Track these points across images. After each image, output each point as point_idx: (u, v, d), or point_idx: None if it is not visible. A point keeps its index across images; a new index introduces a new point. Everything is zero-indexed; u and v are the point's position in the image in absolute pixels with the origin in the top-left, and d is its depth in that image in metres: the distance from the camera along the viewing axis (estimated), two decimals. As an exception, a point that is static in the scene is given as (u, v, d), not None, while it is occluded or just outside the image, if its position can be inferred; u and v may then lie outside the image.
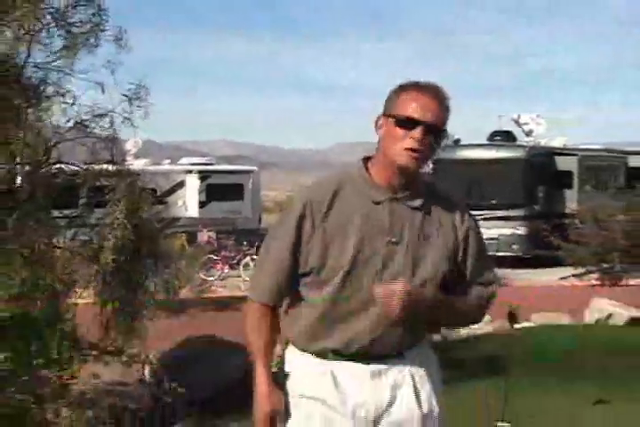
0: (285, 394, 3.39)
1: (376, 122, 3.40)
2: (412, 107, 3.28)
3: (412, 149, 3.25)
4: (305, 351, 3.39)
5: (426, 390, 3.43)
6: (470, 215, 3.58)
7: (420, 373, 3.45)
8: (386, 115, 3.35)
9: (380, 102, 3.48)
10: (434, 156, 3.46)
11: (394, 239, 3.32)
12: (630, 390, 9.55)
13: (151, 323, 8.27)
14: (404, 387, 3.38)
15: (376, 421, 3.34)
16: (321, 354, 3.36)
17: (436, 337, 12.34)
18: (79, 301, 7.09)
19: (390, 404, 3.35)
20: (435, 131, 3.29)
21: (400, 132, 3.27)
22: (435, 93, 3.35)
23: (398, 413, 3.36)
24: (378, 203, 3.34)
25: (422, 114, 3.26)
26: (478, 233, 3.57)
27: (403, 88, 3.37)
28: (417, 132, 3.23)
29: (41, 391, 5.35)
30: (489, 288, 3.56)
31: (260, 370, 3.38)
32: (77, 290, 7.16)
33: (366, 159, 3.45)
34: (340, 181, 3.39)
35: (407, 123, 3.26)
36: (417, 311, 3.26)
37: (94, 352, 6.41)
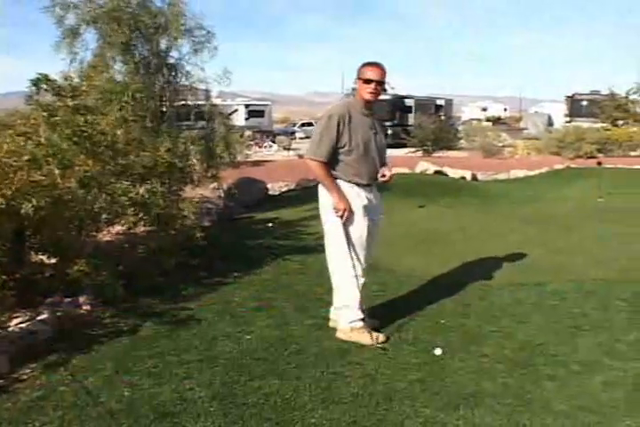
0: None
1: (355, 81, 3.49)
2: (369, 73, 3.43)
3: (370, 93, 3.44)
4: (345, 181, 3.51)
5: (378, 195, 3.74)
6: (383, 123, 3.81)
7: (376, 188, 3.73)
8: (359, 78, 3.45)
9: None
10: (381, 94, 3.54)
11: (374, 131, 3.55)
12: (435, 201, 9.79)
13: (224, 172, 8.35)
14: (375, 193, 3.69)
15: (371, 207, 3.61)
16: (354, 182, 3.51)
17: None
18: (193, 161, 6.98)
19: (374, 200, 3.65)
20: (379, 83, 3.44)
21: (365, 85, 3.44)
22: (379, 66, 3.47)
23: (376, 204, 3.68)
24: (366, 115, 3.52)
25: (374, 76, 3.43)
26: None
27: (365, 65, 3.46)
28: (372, 84, 3.43)
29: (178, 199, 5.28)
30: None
31: (334, 188, 3.47)
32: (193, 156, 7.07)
33: (352, 93, 3.66)
34: (348, 105, 3.49)
35: (367, 81, 3.43)
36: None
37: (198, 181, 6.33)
